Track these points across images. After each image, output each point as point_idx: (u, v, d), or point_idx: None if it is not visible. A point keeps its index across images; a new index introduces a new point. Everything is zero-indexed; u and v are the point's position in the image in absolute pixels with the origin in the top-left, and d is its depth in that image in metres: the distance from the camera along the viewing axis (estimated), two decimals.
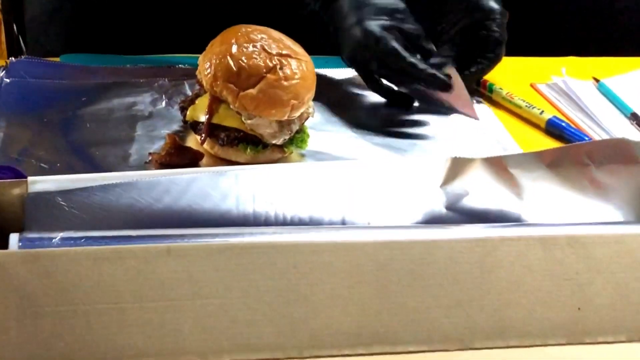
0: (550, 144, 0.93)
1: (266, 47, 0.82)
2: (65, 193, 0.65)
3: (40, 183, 0.65)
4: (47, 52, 1.10)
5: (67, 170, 0.81)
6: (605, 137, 0.95)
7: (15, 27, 2.40)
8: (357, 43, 0.91)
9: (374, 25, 0.91)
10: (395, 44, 0.90)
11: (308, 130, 0.85)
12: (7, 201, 0.65)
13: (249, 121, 0.81)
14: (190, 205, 0.66)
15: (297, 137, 0.84)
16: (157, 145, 0.85)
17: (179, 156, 0.82)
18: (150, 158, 0.83)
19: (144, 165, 0.82)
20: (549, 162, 0.71)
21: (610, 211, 0.71)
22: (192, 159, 0.82)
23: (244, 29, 0.83)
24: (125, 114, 0.90)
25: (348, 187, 0.69)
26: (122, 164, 0.82)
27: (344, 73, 1.01)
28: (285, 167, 0.70)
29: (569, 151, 0.72)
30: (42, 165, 0.81)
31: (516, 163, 0.71)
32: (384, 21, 0.91)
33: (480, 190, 0.70)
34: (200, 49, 0.85)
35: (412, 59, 0.90)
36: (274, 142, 0.82)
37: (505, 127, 0.94)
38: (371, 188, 0.69)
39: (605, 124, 0.96)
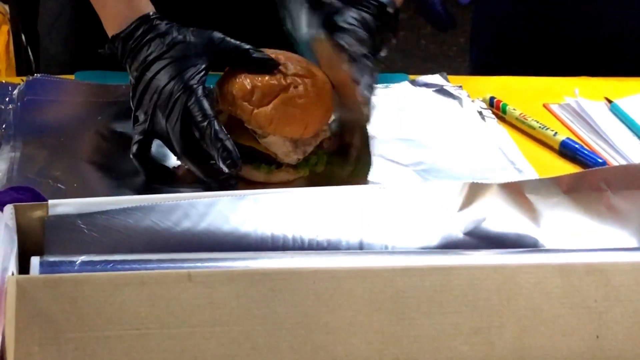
0: (563, 165, 0.93)
1: (282, 68, 0.82)
2: (85, 216, 0.65)
3: (61, 206, 0.65)
4: (50, 56, 1.11)
5: (84, 191, 0.81)
6: (618, 158, 0.95)
7: (24, 38, 2.41)
8: None
9: None
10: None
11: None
12: (27, 224, 0.65)
13: (263, 139, 0.82)
14: (209, 228, 0.67)
15: (312, 159, 0.85)
16: (173, 163, 0.86)
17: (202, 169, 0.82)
18: (174, 171, 0.85)
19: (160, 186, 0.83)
20: (566, 188, 0.71)
21: (626, 237, 0.72)
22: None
23: (264, 50, 0.84)
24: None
25: (366, 211, 0.69)
26: (138, 185, 0.83)
27: None
28: (303, 191, 0.71)
29: (586, 177, 0.72)
30: (59, 185, 0.81)
31: (533, 188, 0.71)
32: None
33: (498, 215, 0.70)
34: None
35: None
36: (288, 161, 0.83)
37: (518, 148, 0.95)
38: (389, 212, 0.70)
39: (618, 146, 0.96)
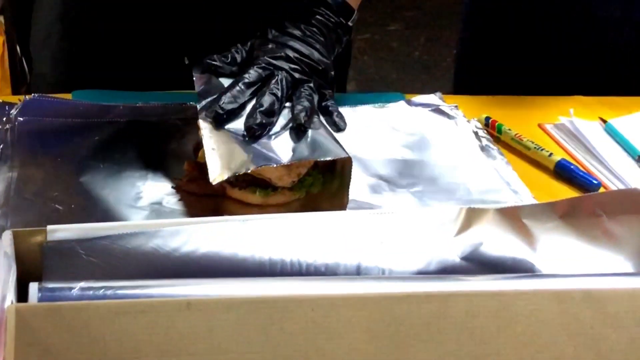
0: (558, 186, 0.94)
1: None
2: (84, 241, 0.66)
3: (60, 232, 0.66)
4: (41, 75, 1.11)
5: (81, 212, 0.82)
6: (613, 179, 0.96)
7: (19, 49, 2.41)
8: None
9: None
10: None
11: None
12: (26, 249, 0.65)
13: (255, 168, 0.82)
14: (207, 254, 0.67)
15: (308, 180, 0.85)
16: (168, 187, 0.86)
17: (200, 185, 0.83)
18: (175, 183, 0.86)
19: (156, 207, 0.83)
20: (562, 213, 0.72)
21: (620, 262, 0.72)
22: (214, 189, 0.82)
23: None
24: (138, 153, 0.91)
25: (363, 236, 0.70)
26: (135, 206, 0.83)
27: (355, 111, 1.02)
28: (301, 216, 0.71)
29: (582, 202, 0.73)
30: (57, 206, 0.81)
31: (529, 213, 0.72)
32: None
33: (494, 240, 0.71)
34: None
35: None
36: (282, 185, 0.83)
37: (513, 169, 0.95)
38: (386, 237, 0.70)
39: (613, 166, 0.97)
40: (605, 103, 1.11)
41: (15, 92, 2.37)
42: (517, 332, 0.61)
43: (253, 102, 0.85)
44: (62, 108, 0.95)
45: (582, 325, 0.62)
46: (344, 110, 1.01)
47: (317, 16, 0.92)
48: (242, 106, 0.85)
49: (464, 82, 1.33)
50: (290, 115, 0.85)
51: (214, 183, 0.78)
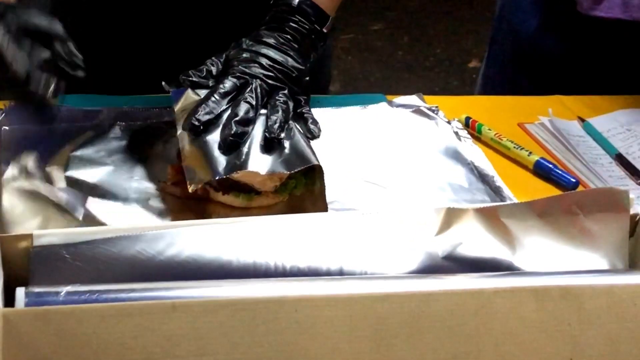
0: (537, 184, 0.96)
1: None
2: (70, 246, 0.66)
3: (46, 236, 0.66)
4: None
5: (67, 215, 0.82)
6: (592, 177, 0.97)
7: None
8: None
9: None
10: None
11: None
12: (12, 254, 0.66)
13: (234, 174, 0.83)
14: (192, 256, 0.68)
15: (291, 183, 0.86)
16: (153, 189, 0.87)
17: (184, 188, 0.84)
18: (159, 186, 0.87)
19: (143, 207, 0.84)
20: (540, 212, 0.73)
21: (597, 259, 0.73)
22: (197, 192, 0.83)
23: None
24: (124, 156, 0.92)
25: (345, 237, 0.71)
26: (122, 209, 0.84)
27: (337, 113, 1.03)
28: (284, 218, 0.72)
29: (559, 201, 0.74)
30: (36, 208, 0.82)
31: (508, 213, 0.73)
32: None
33: (474, 239, 0.72)
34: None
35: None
36: (265, 189, 0.84)
37: (494, 168, 0.97)
38: (368, 238, 0.71)
39: (591, 165, 0.99)
40: (584, 102, 1.12)
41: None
42: (496, 330, 0.63)
43: (229, 111, 0.86)
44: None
45: (560, 321, 0.63)
46: (327, 111, 1.03)
47: (291, 23, 0.93)
48: (219, 115, 0.86)
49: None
50: (266, 123, 0.86)
51: (190, 190, 0.79)
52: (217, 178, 0.81)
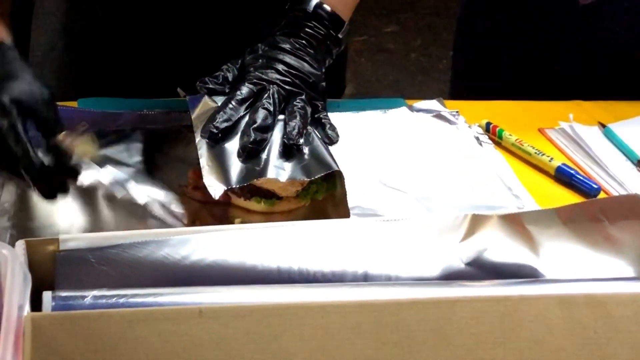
0: (559, 191, 0.95)
1: None
2: (95, 250, 0.67)
3: (72, 241, 0.67)
4: None
5: (91, 219, 0.83)
6: (613, 183, 0.97)
7: None
8: None
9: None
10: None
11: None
12: (39, 259, 0.66)
13: (254, 181, 0.83)
14: (216, 261, 0.68)
15: (312, 187, 0.86)
16: (174, 193, 0.87)
17: (205, 192, 0.84)
18: (180, 190, 0.87)
19: (164, 213, 0.85)
20: (565, 219, 0.73)
21: (622, 267, 0.73)
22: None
23: None
24: (145, 159, 0.92)
25: (369, 243, 0.71)
26: (142, 214, 0.84)
27: (357, 117, 1.03)
28: (307, 224, 0.72)
29: (583, 208, 0.74)
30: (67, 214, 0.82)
31: (532, 219, 0.73)
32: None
33: (498, 246, 0.72)
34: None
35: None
36: (286, 195, 0.84)
37: (515, 173, 0.96)
38: (392, 244, 0.71)
39: (612, 171, 0.98)
40: (605, 108, 1.12)
41: None
42: (522, 337, 0.62)
43: (247, 118, 0.86)
44: (68, 116, 0.96)
45: (586, 329, 0.63)
46: (347, 115, 1.03)
47: (307, 29, 0.93)
48: (237, 122, 0.86)
49: (461, 86, 1.34)
50: (284, 129, 0.86)
51: (215, 197, 0.80)
52: (236, 186, 0.81)
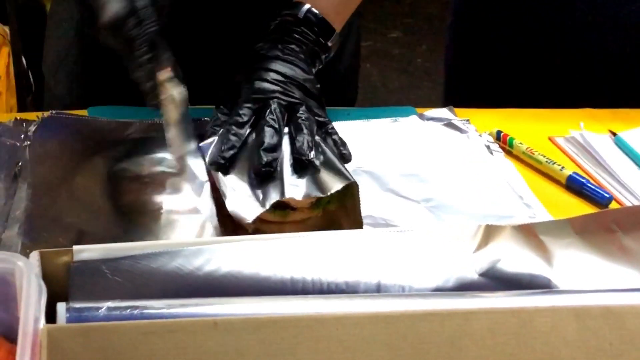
0: (570, 200, 0.95)
1: None
2: (109, 261, 0.67)
3: (86, 252, 0.67)
4: (55, 97, 1.11)
5: (103, 229, 0.83)
6: (625, 192, 0.97)
7: (24, 61, 2.41)
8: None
9: None
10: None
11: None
12: (53, 270, 0.66)
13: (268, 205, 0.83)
14: (230, 272, 0.68)
15: (324, 198, 0.86)
16: (188, 202, 0.87)
17: (217, 202, 0.84)
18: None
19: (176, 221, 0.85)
20: (578, 229, 0.73)
21: (637, 277, 0.73)
22: None
23: None
24: (155, 170, 0.92)
25: (382, 254, 0.71)
26: (154, 225, 0.84)
27: (368, 126, 1.03)
28: (321, 235, 0.72)
29: (597, 218, 0.74)
30: (75, 225, 0.82)
31: (546, 230, 0.73)
32: None
33: (512, 256, 0.72)
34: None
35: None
36: (301, 206, 0.84)
37: (526, 182, 0.96)
38: (405, 254, 0.71)
39: (624, 180, 0.98)
40: (616, 115, 1.12)
41: (20, 103, 2.38)
42: (537, 349, 0.62)
43: (252, 137, 0.86)
44: (79, 125, 0.96)
45: (601, 341, 0.63)
46: (357, 124, 1.03)
47: (295, 34, 0.93)
48: (244, 143, 0.86)
49: (454, 92, 1.34)
50: (291, 144, 0.86)
51: (250, 229, 0.80)
52: (257, 216, 0.80)
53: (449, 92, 1.35)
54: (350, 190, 0.85)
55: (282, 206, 0.83)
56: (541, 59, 1.23)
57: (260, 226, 0.83)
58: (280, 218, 0.83)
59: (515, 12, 1.23)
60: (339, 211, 0.86)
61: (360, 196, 0.82)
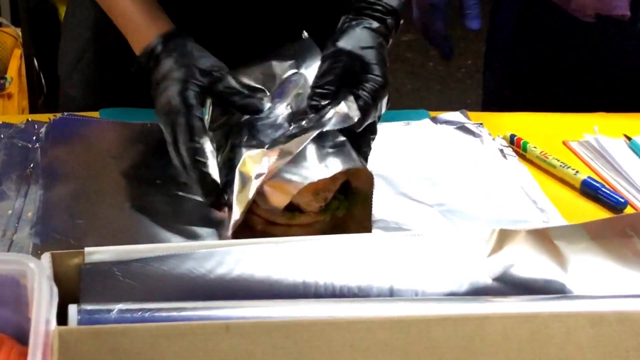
0: (585, 204, 0.94)
1: None
2: (121, 264, 0.66)
3: (97, 254, 0.66)
4: (70, 99, 1.11)
5: (115, 231, 0.82)
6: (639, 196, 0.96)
7: (36, 63, 2.42)
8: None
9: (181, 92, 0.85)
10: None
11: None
12: (64, 271, 0.66)
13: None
14: (242, 275, 0.68)
15: (334, 204, 0.85)
16: (193, 207, 0.87)
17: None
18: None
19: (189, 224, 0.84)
20: (593, 234, 0.72)
21: None
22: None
23: None
24: (165, 172, 0.91)
25: (395, 258, 0.70)
26: (164, 226, 0.84)
27: (380, 129, 1.02)
28: (332, 238, 0.72)
29: (612, 223, 0.73)
30: (84, 226, 0.82)
31: (560, 235, 0.72)
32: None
33: (526, 261, 0.71)
34: None
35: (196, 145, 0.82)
36: (310, 209, 0.83)
37: (539, 186, 0.96)
38: (418, 258, 0.71)
39: (639, 184, 0.97)
40: (630, 120, 1.11)
41: (32, 104, 2.38)
42: (552, 355, 0.62)
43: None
44: (91, 127, 0.96)
45: (617, 347, 0.62)
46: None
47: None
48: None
49: (493, 97, 1.33)
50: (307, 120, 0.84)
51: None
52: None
53: (486, 101, 1.35)
54: (360, 199, 0.84)
55: (291, 208, 0.83)
56: (555, 63, 1.23)
57: (266, 228, 0.83)
58: (288, 220, 0.83)
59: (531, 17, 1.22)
60: (346, 218, 0.85)
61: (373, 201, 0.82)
